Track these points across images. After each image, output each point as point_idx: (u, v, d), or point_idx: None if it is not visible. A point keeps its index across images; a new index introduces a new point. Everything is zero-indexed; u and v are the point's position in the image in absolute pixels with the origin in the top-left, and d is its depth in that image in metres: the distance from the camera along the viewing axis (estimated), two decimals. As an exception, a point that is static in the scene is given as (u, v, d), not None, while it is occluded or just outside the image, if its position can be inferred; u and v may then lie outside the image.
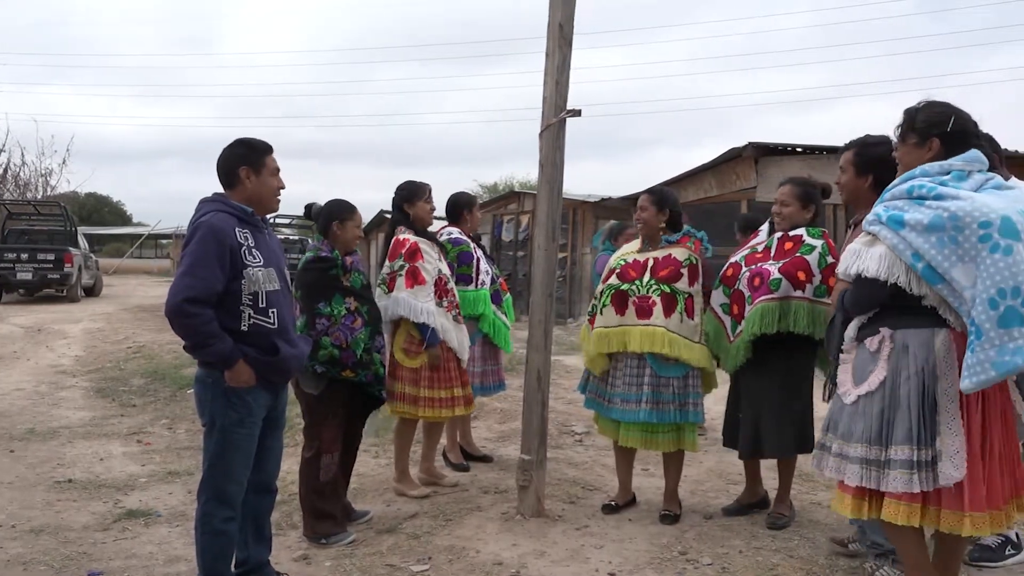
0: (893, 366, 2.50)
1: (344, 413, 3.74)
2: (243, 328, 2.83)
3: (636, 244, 4.05)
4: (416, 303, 4.08)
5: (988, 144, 3.30)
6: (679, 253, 3.87)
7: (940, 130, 2.56)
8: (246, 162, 2.95)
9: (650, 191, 4.03)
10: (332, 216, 3.74)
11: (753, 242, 3.93)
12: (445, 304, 4.23)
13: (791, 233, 3.76)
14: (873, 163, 3.12)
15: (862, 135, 3.27)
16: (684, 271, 3.81)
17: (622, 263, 3.94)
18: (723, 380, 4.01)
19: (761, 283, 3.66)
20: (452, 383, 4.26)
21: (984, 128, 2.72)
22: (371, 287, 3.92)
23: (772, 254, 3.76)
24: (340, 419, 3.72)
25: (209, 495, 2.90)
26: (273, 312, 2.90)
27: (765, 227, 3.97)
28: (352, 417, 3.83)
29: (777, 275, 3.63)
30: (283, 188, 3.06)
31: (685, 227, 4.01)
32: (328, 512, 3.68)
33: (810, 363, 3.80)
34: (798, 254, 3.68)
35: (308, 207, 3.94)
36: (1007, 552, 3.30)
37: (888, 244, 2.45)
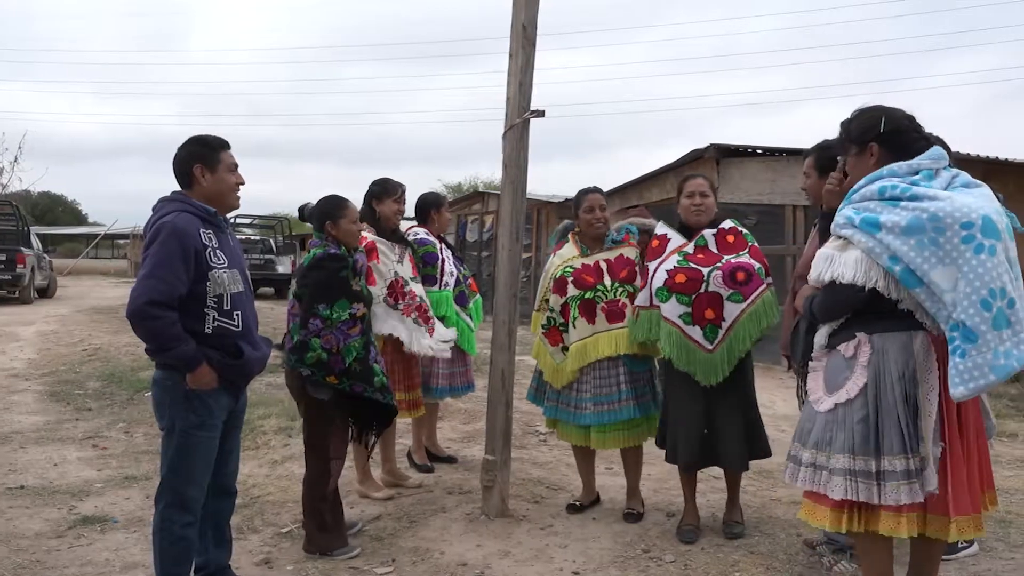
0: (874, 371, 2.40)
1: (346, 420, 3.63)
2: (207, 331, 2.79)
3: (572, 249, 3.94)
4: None
5: (938, 142, 3.39)
6: (630, 252, 3.88)
7: (874, 134, 2.53)
8: (200, 160, 2.89)
9: (599, 190, 3.97)
10: (324, 216, 3.57)
11: (673, 246, 3.67)
12: (401, 307, 4.20)
13: (724, 226, 3.68)
14: (831, 163, 3.19)
15: (821, 140, 3.34)
16: (637, 269, 3.85)
17: (570, 270, 3.86)
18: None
19: (748, 276, 3.50)
20: (394, 388, 4.24)
21: (940, 131, 2.75)
22: (370, 292, 3.80)
23: (717, 249, 3.61)
24: (345, 425, 3.62)
25: (168, 500, 2.85)
26: (238, 315, 2.87)
27: (666, 229, 3.76)
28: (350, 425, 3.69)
29: (758, 264, 3.55)
30: (242, 184, 3.00)
31: (626, 225, 4.00)
32: (334, 524, 3.55)
33: (751, 361, 3.70)
34: (749, 244, 3.64)
35: (301, 208, 3.78)
36: (959, 545, 3.38)
37: (863, 248, 2.35)
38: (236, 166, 2.98)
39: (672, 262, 3.62)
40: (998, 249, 2.23)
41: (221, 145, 2.95)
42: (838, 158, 2.73)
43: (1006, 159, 8.47)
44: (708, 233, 3.67)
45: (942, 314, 2.27)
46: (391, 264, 4.22)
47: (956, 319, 2.22)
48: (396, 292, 4.19)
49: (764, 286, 3.54)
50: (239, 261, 2.95)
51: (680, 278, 3.55)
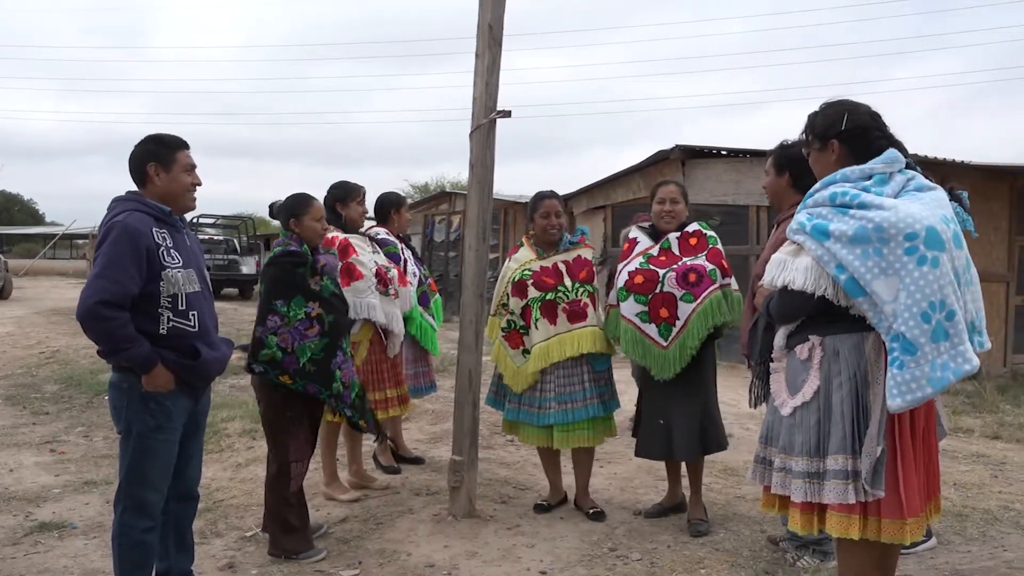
0: (825, 373, 2.40)
1: (310, 420, 3.58)
2: (162, 331, 2.74)
3: (528, 253, 3.99)
4: (356, 300, 4.04)
5: (896, 145, 3.45)
6: (587, 253, 4.01)
7: (835, 131, 2.51)
8: (154, 158, 2.84)
9: (555, 195, 4.02)
10: (288, 213, 3.54)
11: (639, 248, 3.85)
12: (391, 291, 4.23)
13: (688, 229, 3.82)
14: (788, 161, 3.27)
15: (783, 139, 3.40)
16: (595, 269, 4.00)
17: (529, 273, 3.90)
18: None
19: (699, 277, 3.64)
20: (385, 384, 4.28)
21: (901, 134, 2.75)
22: (343, 297, 3.69)
23: (679, 251, 3.76)
24: (306, 427, 3.56)
25: (126, 505, 2.79)
26: (194, 315, 2.81)
27: (638, 232, 3.93)
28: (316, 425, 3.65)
29: (712, 266, 3.67)
30: (198, 184, 2.94)
31: (580, 227, 4.15)
32: (297, 526, 3.50)
33: (713, 358, 3.83)
34: (710, 246, 3.77)
35: (271, 206, 3.78)
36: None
37: (813, 255, 2.35)
38: (193, 167, 2.92)
39: (635, 264, 3.80)
40: (942, 260, 2.22)
41: (177, 145, 2.90)
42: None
43: (963, 161, 8.67)
44: (672, 236, 3.83)
45: (883, 325, 2.27)
46: (369, 254, 4.25)
47: (896, 330, 2.22)
48: (383, 279, 4.22)
49: (714, 286, 3.66)
50: (196, 261, 2.90)
51: (638, 279, 3.74)
